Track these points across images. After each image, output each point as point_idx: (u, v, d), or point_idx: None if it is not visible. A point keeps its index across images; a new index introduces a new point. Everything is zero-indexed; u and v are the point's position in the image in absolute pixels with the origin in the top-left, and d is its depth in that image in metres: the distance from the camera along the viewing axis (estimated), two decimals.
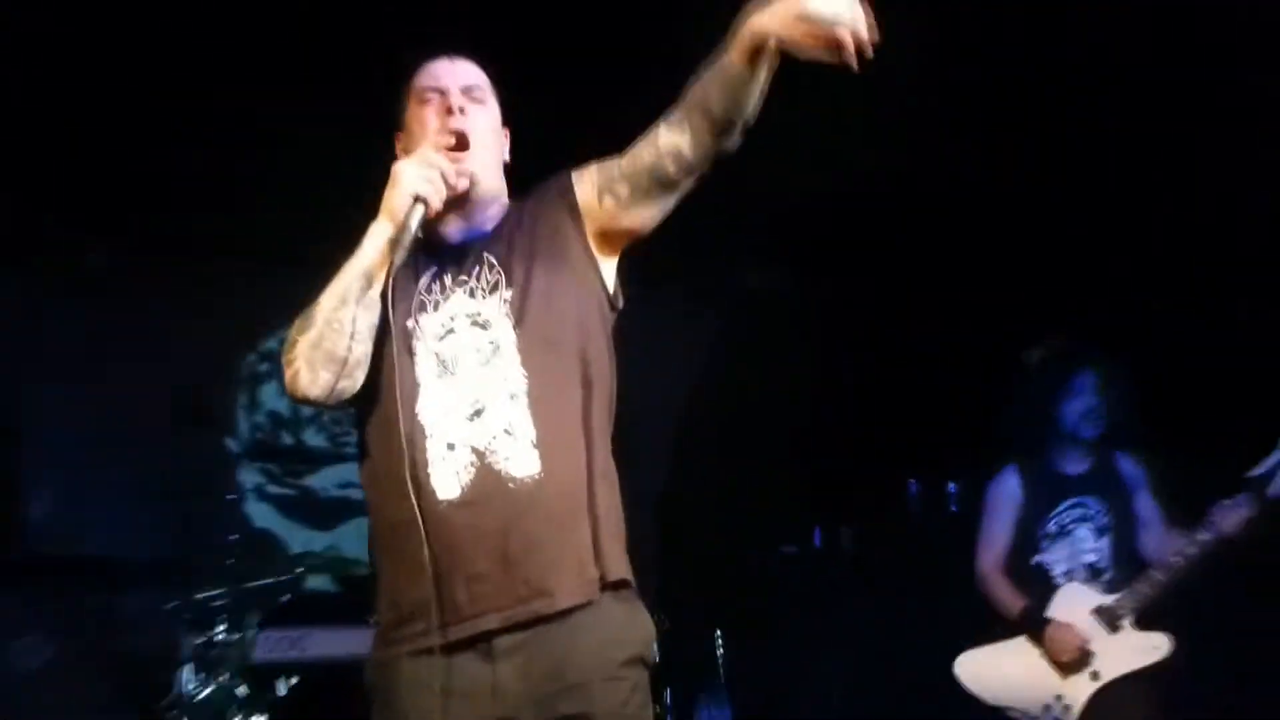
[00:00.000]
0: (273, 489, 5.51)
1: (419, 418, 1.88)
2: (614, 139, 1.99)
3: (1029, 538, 3.50)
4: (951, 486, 4.88)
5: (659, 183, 1.91)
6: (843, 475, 5.23)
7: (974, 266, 5.00)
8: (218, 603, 4.28)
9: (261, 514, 5.42)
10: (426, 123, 1.99)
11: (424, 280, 1.97)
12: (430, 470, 1.85)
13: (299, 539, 5.37)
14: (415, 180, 1.86)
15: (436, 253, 2.00)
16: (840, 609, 4.67)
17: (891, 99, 3.45)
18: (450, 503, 1.84)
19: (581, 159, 2.03)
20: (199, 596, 4.41)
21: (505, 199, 2.09)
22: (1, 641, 4.34)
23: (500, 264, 1.96)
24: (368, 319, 1.86)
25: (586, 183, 2.00)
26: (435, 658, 1.80)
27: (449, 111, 1.97)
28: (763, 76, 1.80)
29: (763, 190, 4.28)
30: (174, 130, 4.46)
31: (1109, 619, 3.30)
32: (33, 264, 5.08)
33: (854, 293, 5.62)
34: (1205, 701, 3.49)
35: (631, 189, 1.93)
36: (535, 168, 2.08)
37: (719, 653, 4.73)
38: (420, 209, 1.86)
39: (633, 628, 1.90)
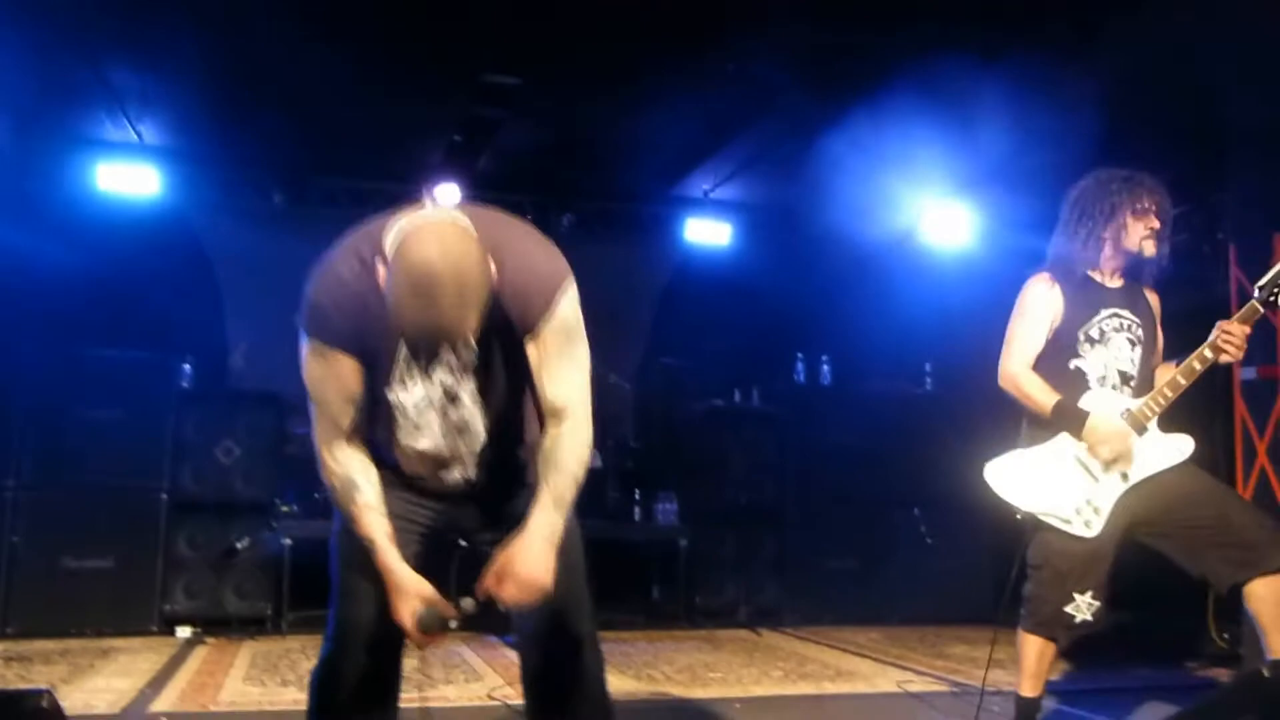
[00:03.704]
0: None
1: (394, 457, 2.23)
2: None
3: (1068, 341, 3.29)
4: (825, 363, 7.09)
5: None
6: (753, 352, 7.50)
7: None
8: None
9: None
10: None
11: (402, 351, 2.08)
12: (400, 467, 2.23)
13: None
14: (420, 638, 2.09)
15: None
16: (749, 435, 6.78)
17: None
18: (410, 475, 2.25)
19: None
20: None
21: None
22: (212, 439, 5.89)
23: (477, 343, 2.02)
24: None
25: (544, 335, 2.10)
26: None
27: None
28: None
29: None
30: None
31: (1136, 423, 3.19)
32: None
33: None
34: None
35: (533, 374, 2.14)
36: None
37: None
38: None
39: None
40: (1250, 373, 4.54)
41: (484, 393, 2.18)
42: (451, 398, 2.16)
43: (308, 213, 7.60)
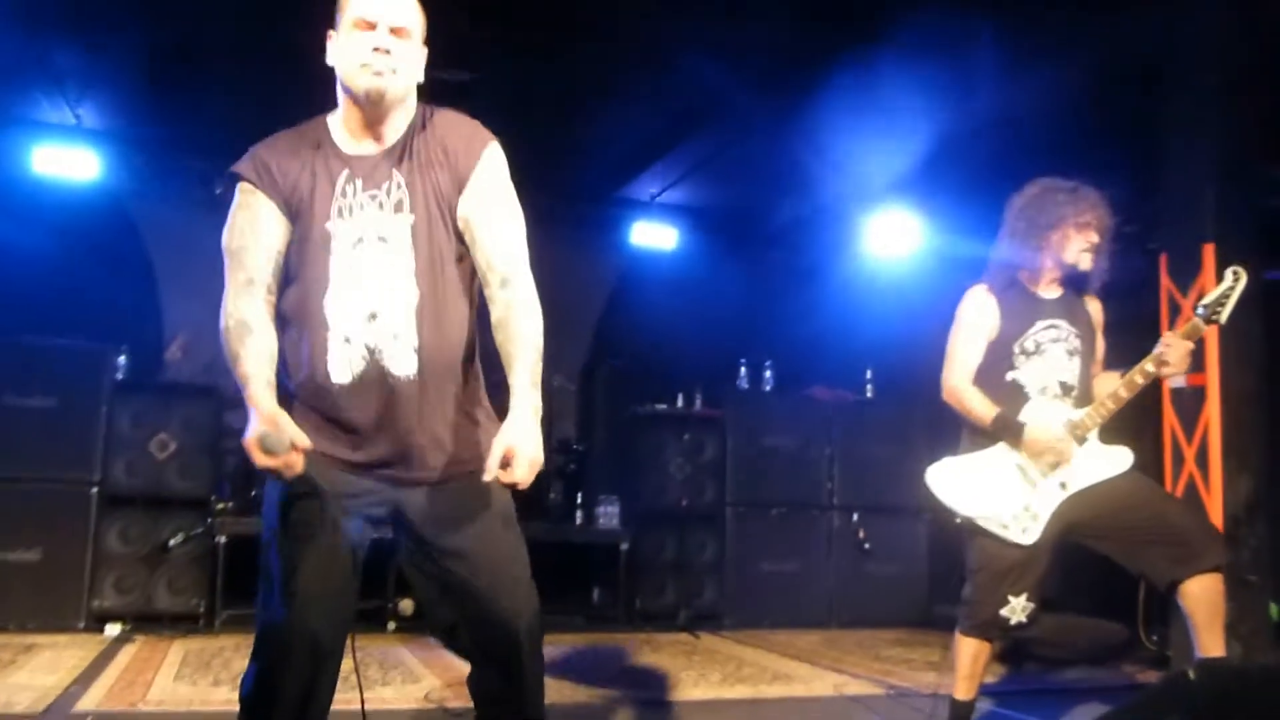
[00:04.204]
0: None
1: (324, 311, 2.13)
2: None
3: (1004, 354, 3.34)
4: (768, 368, 7.15)
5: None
6: (697, 356, 7.55)
7: None
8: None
9: None
10: (354, 51, 2.15)
11: (339, 183, 2.17)
12: (328, 358, 2.13)
13: None
14: (260, 458, 1.97)
15: (350, 158, 2.20)
16: (691, 439, 6.76)
17: None
18: (341, 386, 2.13)
19: None
20: None
21: (413, 109, 2.26)
22: (147, 432, 5.74)
23: (406, 185, 2.18)
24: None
25: (478, 182, 2.18)
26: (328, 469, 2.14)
27: (375, 49, 2.14)
28: None
29: None
30: None
31: (1077, 433, 3.24)
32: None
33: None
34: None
35: (469, 237, 2.21)
36: None
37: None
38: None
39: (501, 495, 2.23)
40: (1179, 381, 4.62)
41: (414, 237, 2.18)
42: (381, 235, 2.17)
43: None
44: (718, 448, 6.82)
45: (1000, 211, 3.51)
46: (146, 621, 5.65)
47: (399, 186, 2.17)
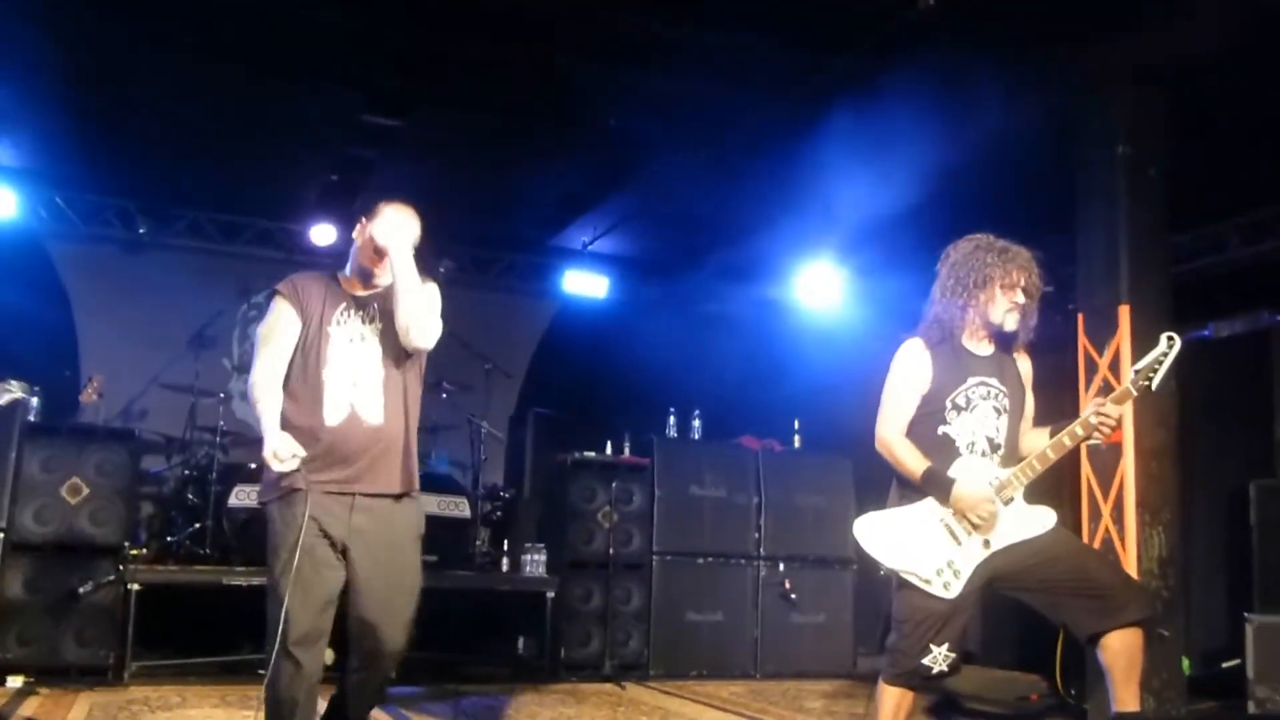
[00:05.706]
0: None
1: (322, 380, 3.25)
2: None
3: (936, 407, 3.40)
4: (696, 417, 7.19)
5: None
6: (626, 404, 7.60)
7: None
8: (210, 468, 6.20)
9: (242, 410, 7.27)
10: (363, 249, 3.34)
11: (341, 304, 3.33)
12: (324, 410, 3.22)
13: None
14: (276, 464, 3.00)
15: (350, 294, 3.37)
16: (618, 487, 6.71)
17: None
18: (332, 428, 3.20)
19: None
20: (196, 461, 6.46)
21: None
22: (58, 476, 5.60)
23: (380, 310, 3.34)
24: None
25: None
26: (310, 495, 3.12)
27: (382, 255, 3.31)
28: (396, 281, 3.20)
29: None
30: None
31: (1004, 493, 3.32)
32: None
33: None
34: None
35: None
36: None
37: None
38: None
39: (419, 515, 3.41)
40: (1095, 438, 4.74)
41: (381, 340, 3.32)
42: (363, 337, 3.33)
43: (171, 244, 7.45)
44: (645, 496, 6.81)
45: (924, 268, 3.58)
46: (51, 674, 5.43)
47: (379, 309, 3.34)
